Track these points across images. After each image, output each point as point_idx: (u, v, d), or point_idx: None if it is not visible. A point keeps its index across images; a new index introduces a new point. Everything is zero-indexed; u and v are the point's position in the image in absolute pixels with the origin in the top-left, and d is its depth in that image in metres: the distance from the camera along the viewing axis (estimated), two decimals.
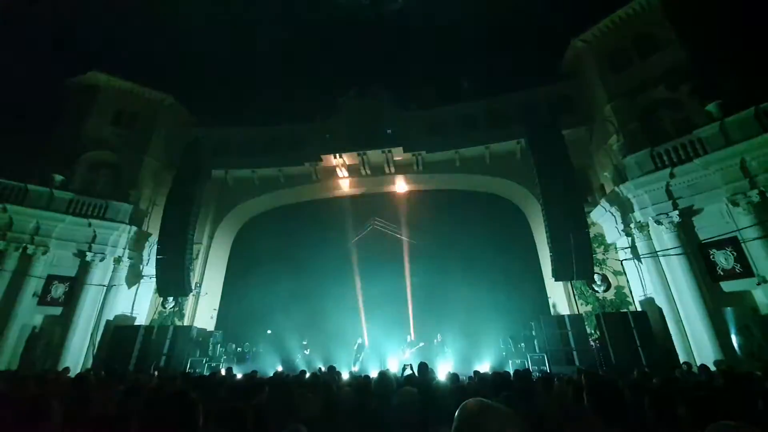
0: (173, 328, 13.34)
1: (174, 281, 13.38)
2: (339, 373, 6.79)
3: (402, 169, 16.86)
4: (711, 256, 10.19)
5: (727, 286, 9.89)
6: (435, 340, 14.92)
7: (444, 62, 14.91)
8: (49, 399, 2.42)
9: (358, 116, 16.82)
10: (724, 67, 11.32)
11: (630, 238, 11.68)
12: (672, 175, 10.73)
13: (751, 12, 11.29)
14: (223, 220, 17.21)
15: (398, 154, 16.32)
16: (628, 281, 12.76)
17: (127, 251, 13.94)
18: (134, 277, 14.17)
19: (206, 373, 10.66)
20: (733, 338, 9.23)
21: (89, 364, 12.01)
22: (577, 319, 11.45)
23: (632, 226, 11.58)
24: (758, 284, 9.20)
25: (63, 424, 2.31)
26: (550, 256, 11.57)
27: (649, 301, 11.48)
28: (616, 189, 11.82)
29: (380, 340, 15.85)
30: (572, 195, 11.79)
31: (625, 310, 12.12)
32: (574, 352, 10.53)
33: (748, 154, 9.54)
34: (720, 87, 11.06)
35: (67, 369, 9.05)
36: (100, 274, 13.30)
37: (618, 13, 13.83)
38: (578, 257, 11.09)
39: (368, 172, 16.91)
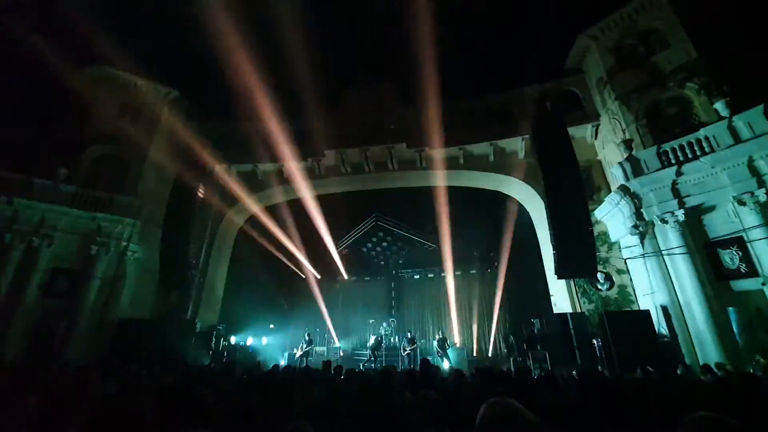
0: (176, 321, 13.47)
1: (177, 274, 13.46)
2: (341, 368, 6.77)
3: (404, 165, 16.79)
4: (716, 256, 10.09)
5: (732, 286, 9.79)
6: (436, 337, 14.99)
7: (448, 57, 14.74)
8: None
9: (361, 112, 16.73)
10: (732, 64, 11.16)
11: (635, 236, 11.59)
12: (678, 174, 10.62)
13: (760, 8, 11.09)
14: (227, 214, 17.25)
15: (401, 151, 16.24)
16: (631, 280, 12.68)
17: (131, 244, 14.02)
18: (138, 270, 14.25)
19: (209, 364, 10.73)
20: (737, 338, 9.18)
21: (93, 358, 12.11)
22: (579, 317, 11.42)
23: (638, 223, 11.49)
24: (763, 284, 9.12)
25: (63, 417, 2.33)
26: (553, 253, 11.50)
27: (652, 300, 11.41)
28: (621, 188, 11.71)
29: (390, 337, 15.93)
30: (577, 192, 11.66)
31: (628, 309, 12.10)
32: (576, 351, 10.51)
33: (756, 153, 9.43)
34: (728, 84, 10.92)
35: (70, 362, 9.13)
36: (104, 267, 13.39)
37: (626, 8, 13.66)
38: (582, 255, 11.04)
39: (371, 168, 16.86)
